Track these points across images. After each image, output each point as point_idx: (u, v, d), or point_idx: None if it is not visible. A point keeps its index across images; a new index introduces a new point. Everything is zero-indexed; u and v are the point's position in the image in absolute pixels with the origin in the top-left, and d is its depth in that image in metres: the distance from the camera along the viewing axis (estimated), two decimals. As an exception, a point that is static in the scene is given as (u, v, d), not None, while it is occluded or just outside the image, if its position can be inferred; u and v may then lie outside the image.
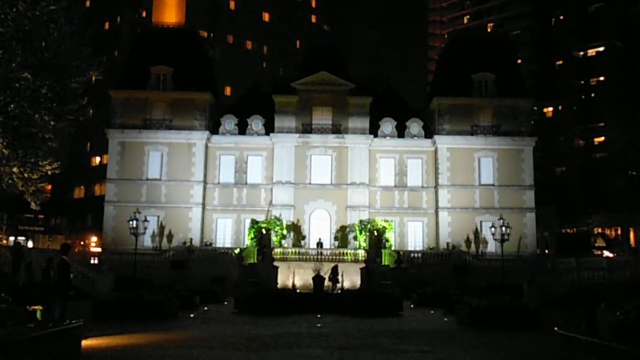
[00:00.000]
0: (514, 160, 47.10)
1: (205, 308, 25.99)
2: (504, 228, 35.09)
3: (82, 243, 68.97)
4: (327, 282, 32.74)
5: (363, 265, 38.94)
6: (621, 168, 66.51)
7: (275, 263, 40.13)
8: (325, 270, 34.57)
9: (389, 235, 44.40)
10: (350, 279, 35.73)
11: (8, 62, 19.82)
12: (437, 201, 46.90)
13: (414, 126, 48.21)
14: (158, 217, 45.64)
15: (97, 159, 78.77)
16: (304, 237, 45.84)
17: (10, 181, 22.04)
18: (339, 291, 30.84)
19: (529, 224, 46.26)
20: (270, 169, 47.22)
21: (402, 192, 47.46)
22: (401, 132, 48.13)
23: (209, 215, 46.95)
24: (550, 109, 79.43)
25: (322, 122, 47.63)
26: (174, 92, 47.79)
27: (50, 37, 20.98)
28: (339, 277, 33.21)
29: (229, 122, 48.19)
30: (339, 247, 44.39)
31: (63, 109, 21.83)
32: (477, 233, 45.85)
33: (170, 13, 78.78)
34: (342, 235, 45.86)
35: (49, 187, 34.89)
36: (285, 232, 45.13)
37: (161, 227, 45.70)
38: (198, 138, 47.15)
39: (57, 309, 15.88)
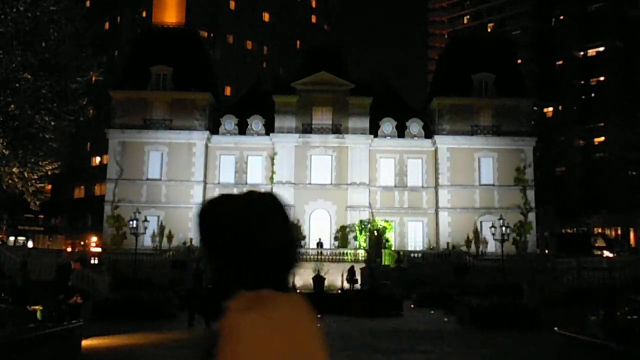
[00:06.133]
0: (514, 160, 47.12)
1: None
2: (504, 228, 35.16)
3: (82, 243, 68.98)
4: (345, 283, 33.25)
5: (363, 265, 38.92)
6: (621, 168, 66.52)
7: (275, 263, 40.08)
8: (325, 271, 34.60)
9: (389, 235, 44.41)
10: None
11: (8, 63, 19.84)
12: (437, 201, 46.90)
13: (414, 126, 48.22)
14: (158, 217, 45.65)
15: (97, 159, 78.74)
16: (304, 237, 45.82)
17: (10, 181, 22.06)
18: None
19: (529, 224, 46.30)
20: (270, 169, 47.23)
21: (402, 192, 47.46)
22: (401, 132, 48.14)
23: (209, 215, 46.85)
24: (550, 109, 79.44)
25: (322, 122, 47.64)
26: (174, 92, 47.80)
27: (51, 38, 21.01)
28: (357, 278, 33.69)
29: (229, 122, 48.20)
30: (339, 247, 44.41)
31: (63, 109, 21.87)
32: (477, 233, 45.85)
33: (170, 13, 78.78)
34: (342, 235, 45.86)
35: (49, 187, 34.88)
36: (285, 232, 45.09)
37: (161, 227, 45.70)
38: (198, 138, 47.16)
39: (54, 309, 15.90)
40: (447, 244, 44.95)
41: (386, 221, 45.13)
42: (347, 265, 37.75)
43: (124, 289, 26.22)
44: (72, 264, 16.79)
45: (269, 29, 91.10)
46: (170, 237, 45.47)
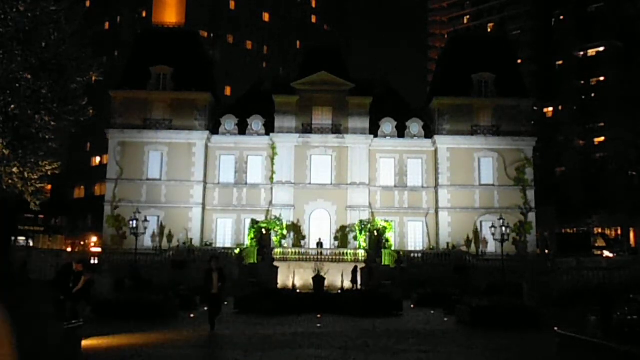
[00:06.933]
0: (514, 160, 47.10)
1: (205, 308, 25.95)
2: (504, 228, 35.15)
3: (82, 243, 69.00)
4: (346, 283, 33.38)
5: (363, 265, 38.94)
6: (621, 168, 66.48)
7: (275, 263, 40.14)
8: (325, 271, 34.64)
9: (389, 235, 44.41)
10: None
11: (8, 63, 19.84)
12: (437, 201, 46.91)
13: (414, 126, 48.22)
14: (158, 217, 45.66)
15: (97, 159, 78.79)
16: (304, 237, 45.85)
17: (10, 181, 22.05)
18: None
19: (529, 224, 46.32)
20: (270, 169, 47.24)
21: (402, 192, 47.47)
22: (401, 132, 48.14)
23: (209, 215, 46.96)
24: (550, 109, 79.46)
25: (322, 122, 47.64)
26: (174, 92, 47.80)
27: (51, 38, 21.00)
28: (358, 278, 33.81)
29: (229, 122, 48.20)
30: (339, 247, 44.41)
31: (63, 110, 21.85)
32: (477, 233, 45.86)
33: (170, 13, 78.78)
34: (342, 235, 45.87)
35: (49, 187, 34.89)
36: (285, 232, 45.16)
37: (161, 227, 45.71)
38: (198, 138, 47.17)
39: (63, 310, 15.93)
40: (447, 244, 44.96)
41: (386, 221, 45.12)
42: (347, 265, 37.82)
43: (123, 290, 26.28)
44: (74, 265, 16.79)
45: (269, 29, 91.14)
46: (170, 237, 45.49)
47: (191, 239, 44.94)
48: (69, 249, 62.72)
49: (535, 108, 66.27)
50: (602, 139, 73.08)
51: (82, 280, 16.54)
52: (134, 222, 35.63)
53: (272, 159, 47.23)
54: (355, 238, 45.07)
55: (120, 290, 26.37)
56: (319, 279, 33.46)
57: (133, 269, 31.28)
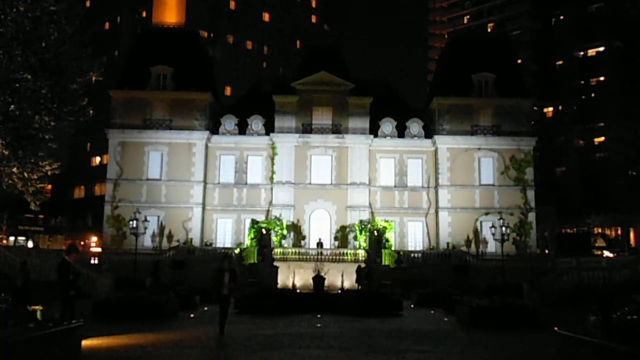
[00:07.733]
0: (514, 160, 47.07)
1: (205, 308, 25.98)
2: (504, 228, 35.15)
3: (82, 243, 68.99)
4: (348, 283, 33.32)
5: (364, 265, 38.92)
6: (621, 168, 66.50)
7: (275, 263, 40.14)
8: (325, 271, 34.60)
9: (389, 235, 44.41)
10: (351, 279, 35.73)
11: (8, 63, 19.85)
12: (437, 201, 46.91)
13: (414, 126, 48.22)
14: (158, 217, 45.66)
15: (97, 159, 78.79)
16: (304, 237, 45.85)
17: (10, 181, 22.09)
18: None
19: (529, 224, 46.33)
20: (270, 169, 47.24)
21: (402, 192, 47.47)
22: (401, 132, 48.14)
23: (209, 215, 46.96)
24: (550, 109, 79.46)
25: (322, 122, 47.63)
26: (174, 92, 47.80)
27: (51, 38, 21.03)
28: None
29: (229, 122, 48.20)
30: (339, 247, 44.41)
31: (63, 110, 21.88)
32: (477, 233, 45.86)
33: (170, 13, 78.80)
34: (342, 235, 45.87)
35: (49, 187, 34.90)
36: (285, 232, 45.16)
37: (161, 227, 45.71)
38: (198, 138, 47.17)
39: (58, 309, 15.92)
40: (447, 244, 44.95)
41: (386, 221, 45.12)
42: (347, 265, 37.82)
43: (124, 289, 26.27)
44: (67, 258, 16.87)
45: (269, 29, 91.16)
46: (170, 237, 45.49)
47: (191, 239, 44.94)
48: (69, 249, 62.65)
49: (535, 108, 66.29)
50: (602, 139, 73.11)
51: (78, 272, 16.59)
52: (134, 222, 35.63)
53: (272, 159, 47.24)
54: (355, 238, 45.07)
55: (135, 288, 26.29)
56: (319, 279, 33.41)
57: (155, 269, 31.23)
